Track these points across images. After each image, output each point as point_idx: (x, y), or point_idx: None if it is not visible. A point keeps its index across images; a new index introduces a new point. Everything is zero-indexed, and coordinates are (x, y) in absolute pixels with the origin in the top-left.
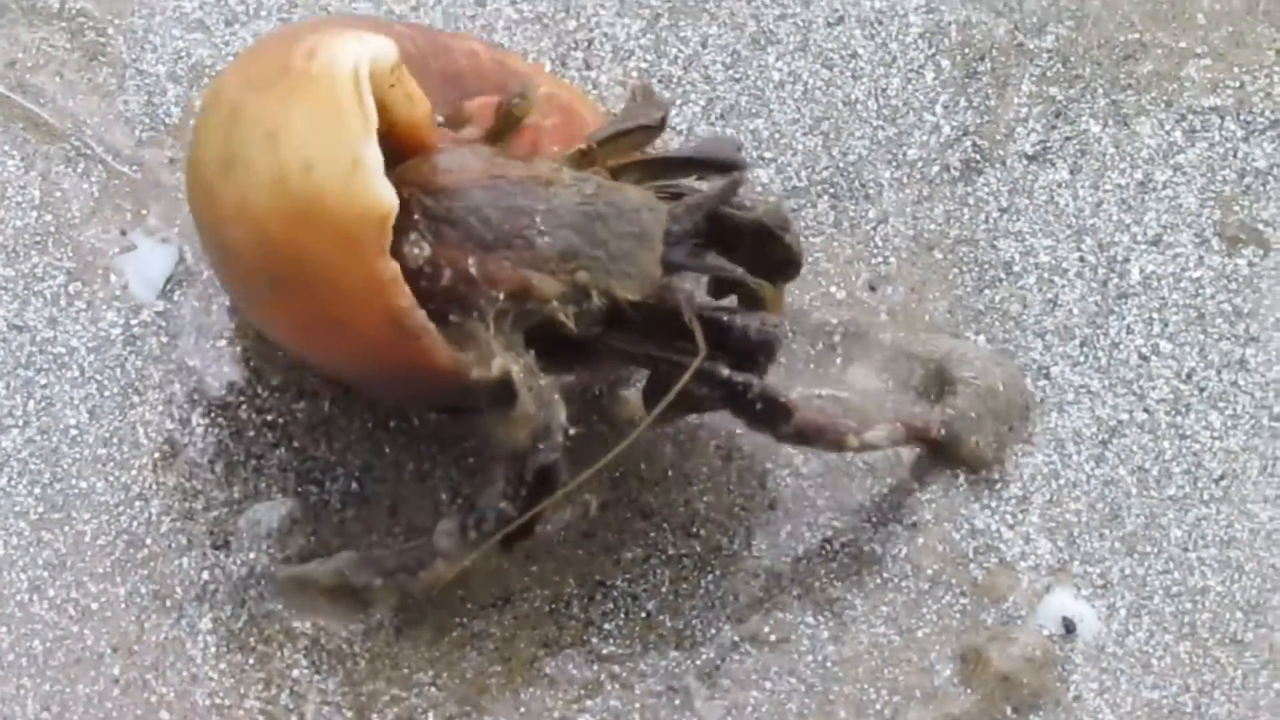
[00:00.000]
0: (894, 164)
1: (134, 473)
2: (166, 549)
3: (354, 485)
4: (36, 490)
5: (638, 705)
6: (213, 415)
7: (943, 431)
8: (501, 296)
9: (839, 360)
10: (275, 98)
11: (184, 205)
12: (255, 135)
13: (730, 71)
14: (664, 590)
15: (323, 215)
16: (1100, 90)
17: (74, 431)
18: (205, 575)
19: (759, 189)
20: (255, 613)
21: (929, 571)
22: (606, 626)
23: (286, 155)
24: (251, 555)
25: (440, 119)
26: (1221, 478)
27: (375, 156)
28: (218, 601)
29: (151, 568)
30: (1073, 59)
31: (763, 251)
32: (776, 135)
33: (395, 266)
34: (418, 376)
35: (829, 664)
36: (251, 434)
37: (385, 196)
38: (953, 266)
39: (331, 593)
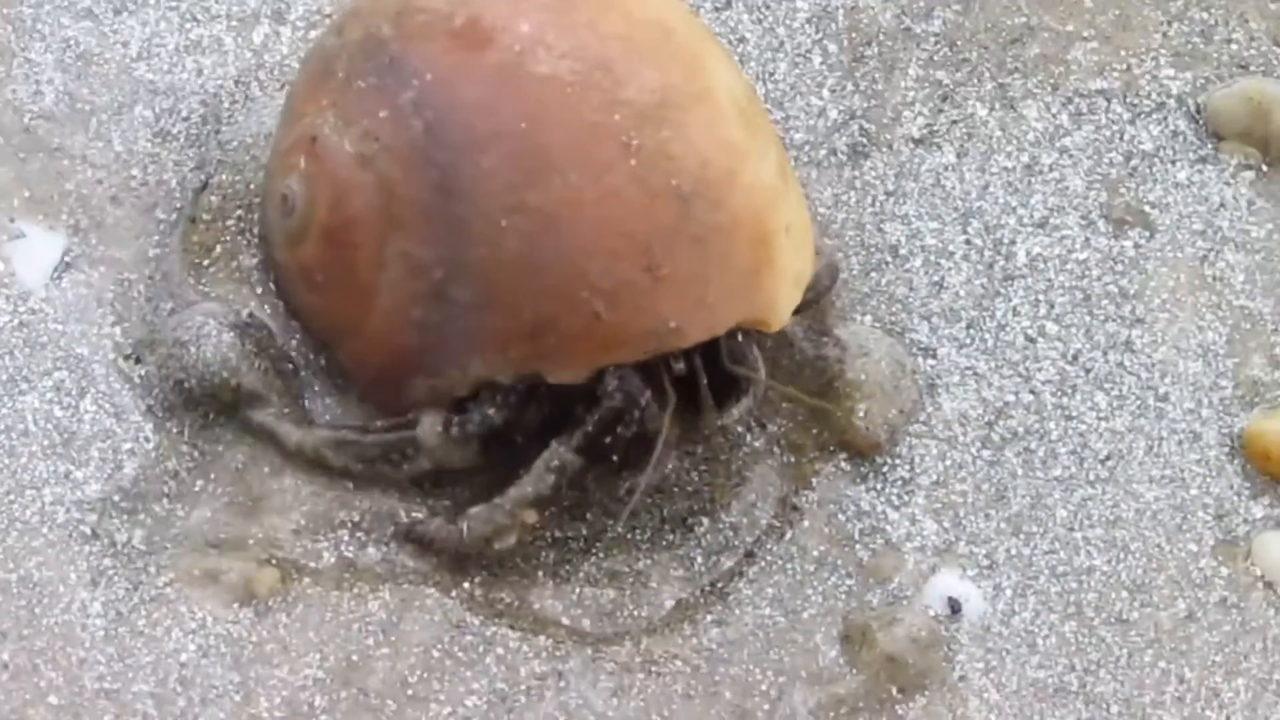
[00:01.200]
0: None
1: (24, 460)
2: (63, 537)
3: (239, 457)
4: None
5: (522, 687)
6: (100, 403)
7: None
8: None
9: None
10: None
11: (72, 193)
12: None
13: None
14: (548, 574)
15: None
16: (987, 74)
17: None
18: (104, 561)
19: None
20: (145, 597)
21: (814, 553)
22: (493, 606)
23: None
24: (141, 534)
25: None
26: (1107, 458)
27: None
28: (111, 583)
29: (47, 554)
30: (959, 43)
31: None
32: None
33: None
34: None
35: (714, 645)
36: (137, 418)
37: (779, 310)
38: (839, 250)
39: (301, 459)
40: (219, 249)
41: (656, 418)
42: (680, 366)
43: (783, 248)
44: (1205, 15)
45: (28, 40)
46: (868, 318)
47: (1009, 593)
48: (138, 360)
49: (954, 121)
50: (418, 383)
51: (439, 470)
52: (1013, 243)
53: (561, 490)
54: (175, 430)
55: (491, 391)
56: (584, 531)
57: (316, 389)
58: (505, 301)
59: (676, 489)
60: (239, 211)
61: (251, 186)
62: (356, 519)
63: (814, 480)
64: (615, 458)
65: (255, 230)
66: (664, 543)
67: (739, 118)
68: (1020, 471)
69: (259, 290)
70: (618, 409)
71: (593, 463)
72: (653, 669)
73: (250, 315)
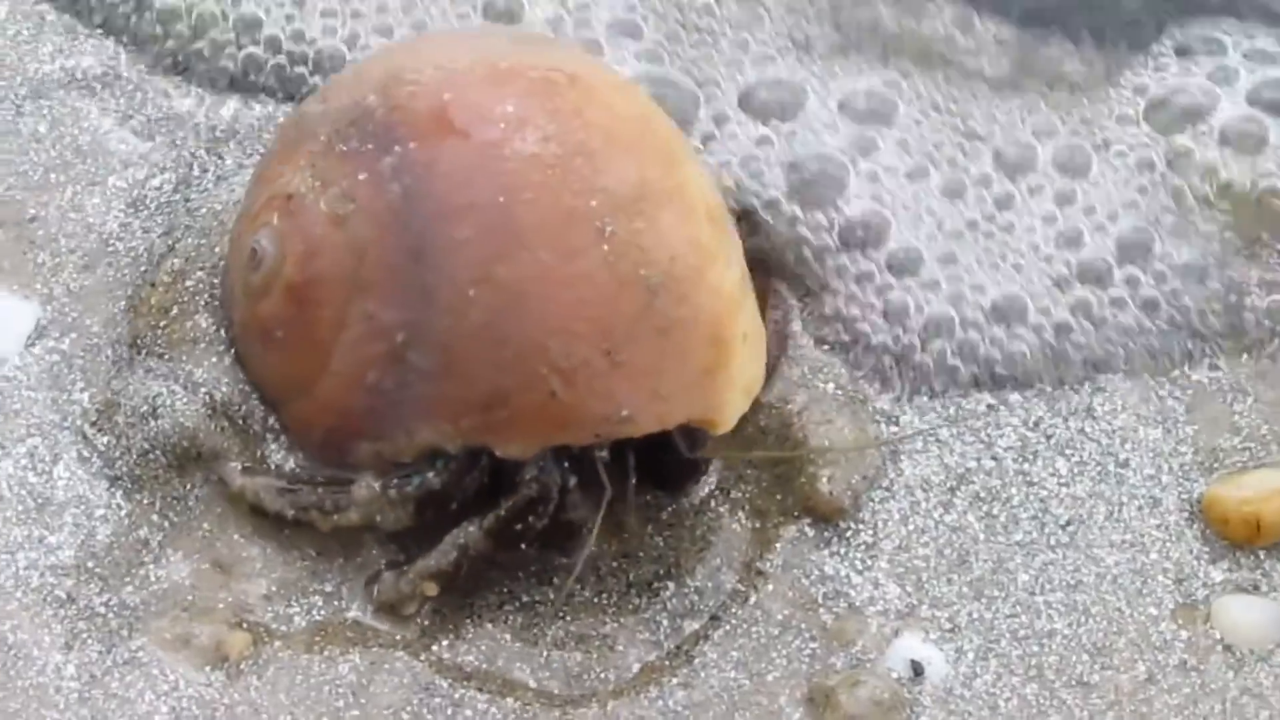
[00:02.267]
0: None
1: None
2: (37, 601)
3: (207, 525)
4: None
5: None
6: (73, 469)
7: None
8: None
9: None
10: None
11: (45, 263)
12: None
13: None
14: (516, 637)
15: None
16: None
17: None
18: (77, 624)
19: None
20: (119, 660)
21: (778, 617)
22: (461, 669)
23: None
24: (114, 598)
25: None
26: (1068, 523)
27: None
28: (85, 646)
29: (21, 618)
30: None
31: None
32: None
33: None
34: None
35: (679, 708)
36: (109, 485)
37: (727, 413)
38: (791, 317)
39: (242, 503)
40: (175, 309)
41: (575, 507)
42: (604, 455)
43: (738, 354)
44: None
45: (1, 112)
46: (830, 385)
47: (971, 656)
48: (103, 429)
49: None
50: (363, 446)
51: (369, 528)
52: None
53: (463, 568)
54: (146, 501)
55: (434, 457)
56: (551, 595)
57: (275, 444)
58: (462, 371)
59: (642, 554)
60: (199, 273)
61: (216, 250)
62: (328, 589)
63: (778, 545)
64: (523, 545)
65: (214, 292)
66: (630, 607)
67: (709, 222)
68: (982, 536)
69: (218, 348)
70: (531, 499)
71: (502, 546)
72: None
73: (204, 376)
